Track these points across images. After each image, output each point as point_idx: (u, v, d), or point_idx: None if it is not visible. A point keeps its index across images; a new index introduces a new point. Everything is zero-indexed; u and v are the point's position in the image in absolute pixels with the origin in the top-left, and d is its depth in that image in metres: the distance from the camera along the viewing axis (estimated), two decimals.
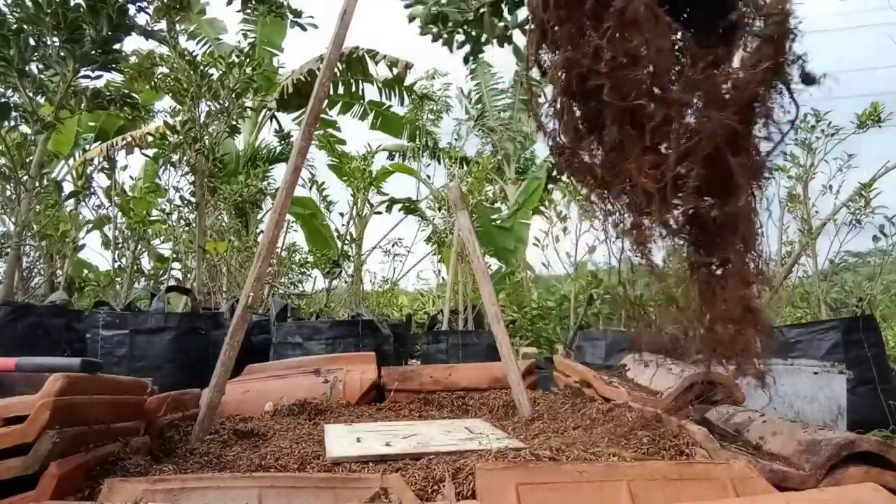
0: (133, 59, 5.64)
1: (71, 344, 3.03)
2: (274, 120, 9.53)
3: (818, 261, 5.99)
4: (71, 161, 6.66)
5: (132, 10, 3.44)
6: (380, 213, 6.32)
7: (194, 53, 4.49)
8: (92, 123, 7.60)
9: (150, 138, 6.71)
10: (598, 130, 1.15)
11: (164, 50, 4.93)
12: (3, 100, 3.28)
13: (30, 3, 2.96)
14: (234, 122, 4.53)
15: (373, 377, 1.90)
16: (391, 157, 10.35)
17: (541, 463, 0.94)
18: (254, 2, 4.95)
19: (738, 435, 1.51)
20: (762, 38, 1.04)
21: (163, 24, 5.09)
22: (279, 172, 8.04)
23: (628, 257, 1.20)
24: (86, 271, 6.75)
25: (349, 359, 2.09)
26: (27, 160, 3.60)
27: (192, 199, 4.58)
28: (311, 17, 4.83)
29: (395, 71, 8.47)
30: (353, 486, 0.87)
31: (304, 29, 4.84)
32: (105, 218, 5.51)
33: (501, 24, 1.71)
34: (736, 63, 1.09)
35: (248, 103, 5.30)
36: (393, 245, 7.00)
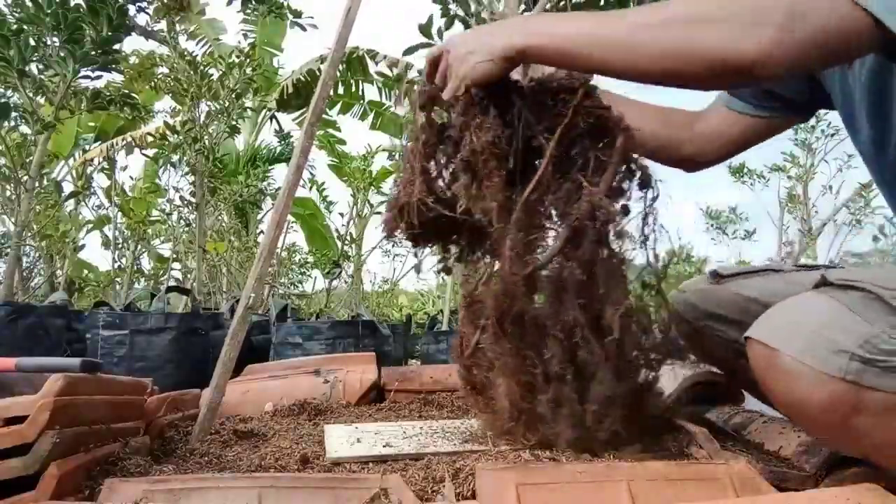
0: (133, 60, 5.64)
1: (71, 344, 3.03)
2: (274, 120, 9.54)
3: (818, 261, 5.99)
4: (71, 161, 6.66)
5: (132, 10, 3.44)
6: (380, 213, 6.32)
7: (194, 54, 4.49)
8: (92, 123, 7.60)
9: (150, 138, 6.71)
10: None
11: (164, 50, 4.93)
12: (3, 100, 3.28)
13: (30, 3, 2.96)
14: (234, 123, 4.53)
15: (373, 377, 1.90)
16: (391, 157, 10.35)
17: (541, 463, 0.94)
18: (254, 2, 4.95)
19: (738, 435, 1.51)
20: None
21: (163, 25, 5.09)
22: (279, 172, 8.04)
23: None
24: (86, 271, 6.76)
25: (349, 359, 2.08)
26: (27, 160, 3.60)
27: (192, 200, 4.58)
28: (311, 17, 4.84)
29: (395, 71, 8.47)
30: (352, 487, 0.87)
31: (304, 29, 4.84)
32: (105, 218, 5.51)
33: None
34: None
35: (248, 103, 5.30)
36: (393, 245, 7.00)
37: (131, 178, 7.01)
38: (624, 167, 1.10)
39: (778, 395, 0.86)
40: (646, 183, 1.11)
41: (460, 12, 1.75)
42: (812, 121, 5.59)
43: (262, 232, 6.79)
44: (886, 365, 0.77)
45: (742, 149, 1.30)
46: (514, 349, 1.08)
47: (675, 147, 1.28)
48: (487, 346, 1.15)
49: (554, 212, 1.10)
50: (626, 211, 1.10)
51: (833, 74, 1.13)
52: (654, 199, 1.11)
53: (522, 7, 1.59)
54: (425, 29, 1.83)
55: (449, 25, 1.80)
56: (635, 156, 1.11)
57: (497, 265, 1.13)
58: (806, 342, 0.81)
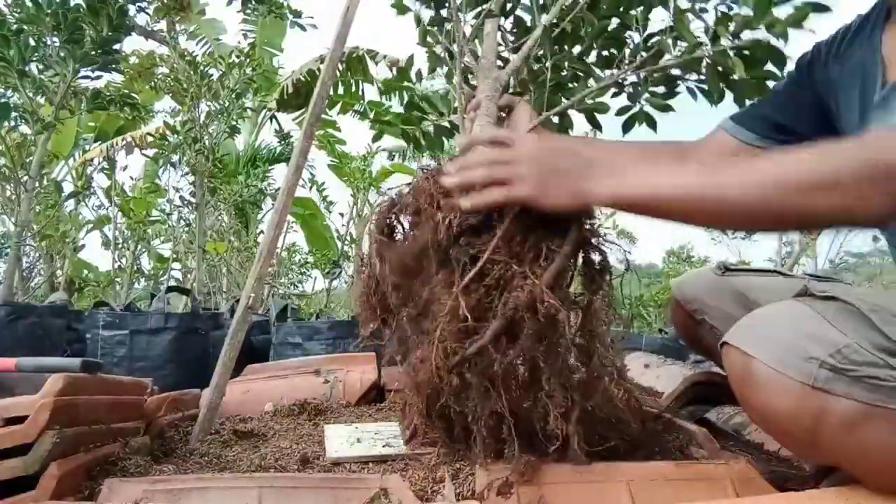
0: (133, 60, 5.64)
1: (71, 344, 3.03)
2: (274, 120, 9.53)
3: (818, 261, 6.00)
4: (71, 161, 6.66)
5: (132, 10, 3.44)
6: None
7: (194, 54, 4.50)
8: (92, 123, 7.59)
9: (150, 138, 6.71)
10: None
11: (164, 50, 4.93)
12: (3, 100, 3.28)
13: (30, 3, 2.96)
14: (234, 123, 4.54)
15: (373, 377, 1.90)
16: (391, 157, 10.35)
17: (541, 463, 0.94)
18: (254, 2, 4.95)
19: (738, 435, 1.51)
20: None
21: (163, 25, 5.10)
22: (279, 172, 8.04)
23: None
24: (86, 271, 6.76)
25: (349, 359, 2.08)
26: (27, 160, 3.60)
27: (192, 200, 4.58)
28: (311, 17, 4.84)
29: (395, 71, 8.47)
30: (352, 487, 0.87)
31: (303, 29, 4.83)
32: (105, 218, 5.51)
33: None
34: None
35: (248, 103, 5.30)
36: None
37: (131, 178, 7.02)
38: (581, 253, 1.00)
39: (751, 403, 0.85)
40: (604, 270, 1.02)
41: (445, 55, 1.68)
42: None
43: (262, 232, 6.79)
44: (856, 374, 0.77)
45: None
46: (447, 438, 1.03)
47: None
48: (420, 433, 1.11)
49: (496, 301, 0.96)
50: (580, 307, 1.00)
51: (851, 116, 1.12)
52: (609, 284, 1.01)
53: (507, 53, 1.52)
54: (404, 71, 1.79)
55: (433, 69, 1.74)
56: (594, 242, 1.01)
57: (424, 354, 1.00)
58: (779, 349, 0.80)
